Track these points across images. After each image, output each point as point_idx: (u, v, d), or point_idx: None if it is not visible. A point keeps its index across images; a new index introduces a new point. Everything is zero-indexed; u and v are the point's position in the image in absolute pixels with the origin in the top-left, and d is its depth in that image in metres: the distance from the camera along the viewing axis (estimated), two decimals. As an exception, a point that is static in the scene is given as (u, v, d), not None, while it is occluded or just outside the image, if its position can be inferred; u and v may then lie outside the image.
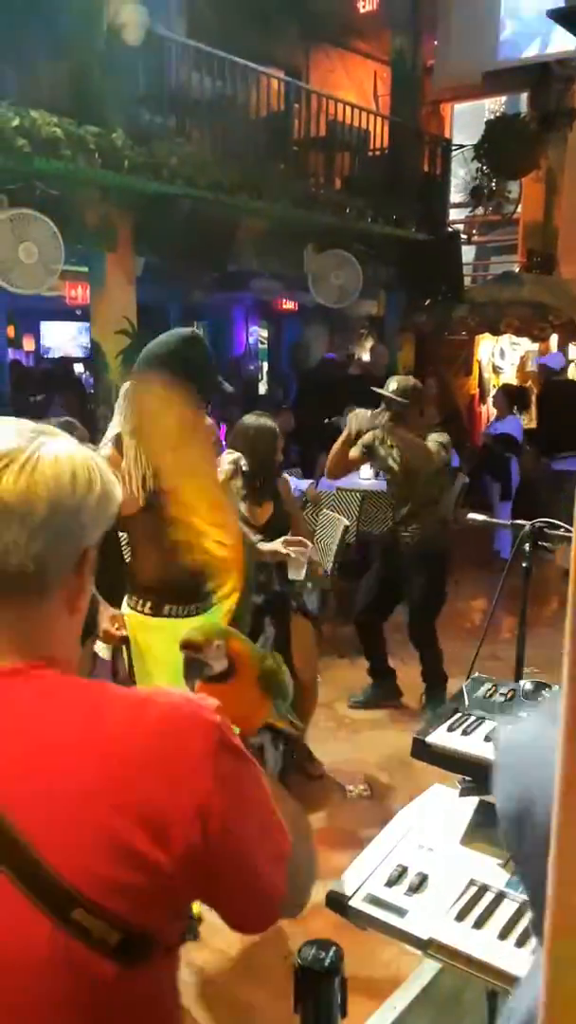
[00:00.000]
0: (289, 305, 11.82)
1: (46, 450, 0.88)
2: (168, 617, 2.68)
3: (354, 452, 4.54)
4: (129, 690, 0.92)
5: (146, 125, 6.39)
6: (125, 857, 0.80)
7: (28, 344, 12.44)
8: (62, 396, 8.34)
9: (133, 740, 0.84)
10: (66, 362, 10.71)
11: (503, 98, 12.73)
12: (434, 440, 4.46)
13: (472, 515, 3.11)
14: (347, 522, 5.46)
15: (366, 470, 7.23)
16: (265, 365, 13.02)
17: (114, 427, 2.73)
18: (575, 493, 0.79)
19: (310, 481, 7.05)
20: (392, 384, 4.43)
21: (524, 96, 11.08)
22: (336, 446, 4.52)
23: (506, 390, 8.78)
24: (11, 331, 10.86)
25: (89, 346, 9.37)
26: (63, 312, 11.28)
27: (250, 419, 3.63)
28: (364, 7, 10.73)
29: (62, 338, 12.82)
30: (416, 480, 4.50)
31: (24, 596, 0.88)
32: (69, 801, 0.80)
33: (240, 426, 3.62)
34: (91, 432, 7.31)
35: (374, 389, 4.52)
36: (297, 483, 5.48)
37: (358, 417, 4.36)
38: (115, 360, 6.62)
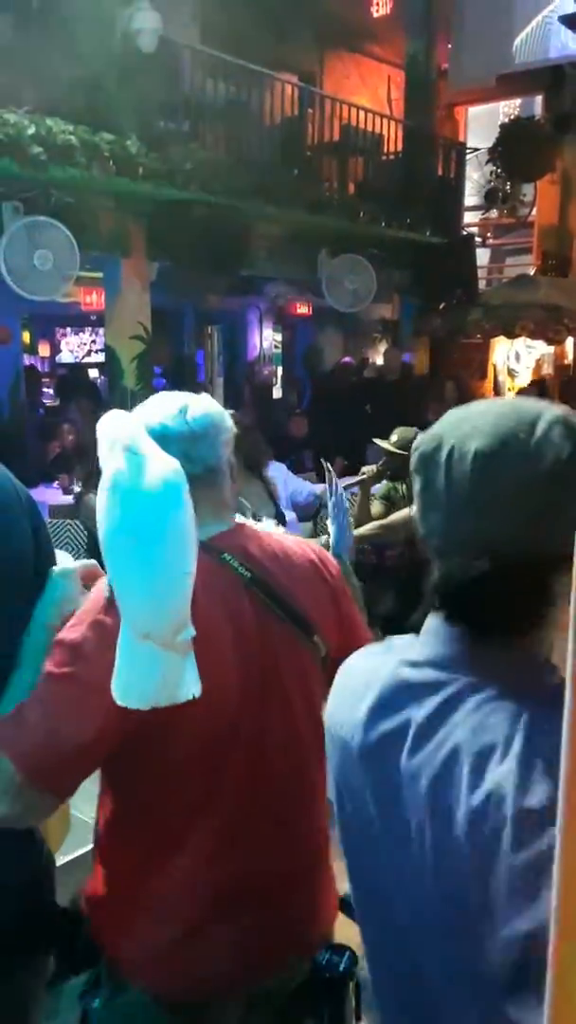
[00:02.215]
0: (303, 309, 11.83)
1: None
2: None
3: (376, 508, 4.47)
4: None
5: (160, 131, 6.42)
6: (325, 611, 1.46)
7: (43, 350, 12.51)
8: (77, 401, 8.38)
9: (314, 555, 1.52)
10: (81, 368, 10.77)
11: (517, 101, 12.70)
12: None
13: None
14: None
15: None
16: (280, 369, 13.03)
17: None
18: None
19: (324, 486, 7.05)
20: (394, 436, 4.42)
21: (538, 99, 11.07)
22: (355, 510, 4.44)
23: (527, 393, 8.75)
24: (26, 337, 10.93)
25: (104, 351, 9.43)
26: (78, 318, 11.34)
27: None
28: (378, 11, 10.75)
29: (77, 343, 12.89)
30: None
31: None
32: (309, 585, 1.45)
33: None
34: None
35: (375, 441, 4.52)
36: (311, 488, 5.48)
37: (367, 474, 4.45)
38: (130, 365, 6.65)
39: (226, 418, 1.41)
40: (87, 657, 1.19)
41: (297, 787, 1.38)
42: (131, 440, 1.22)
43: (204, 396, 1.43)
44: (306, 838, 1.41)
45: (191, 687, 1.16)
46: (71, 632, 1.22)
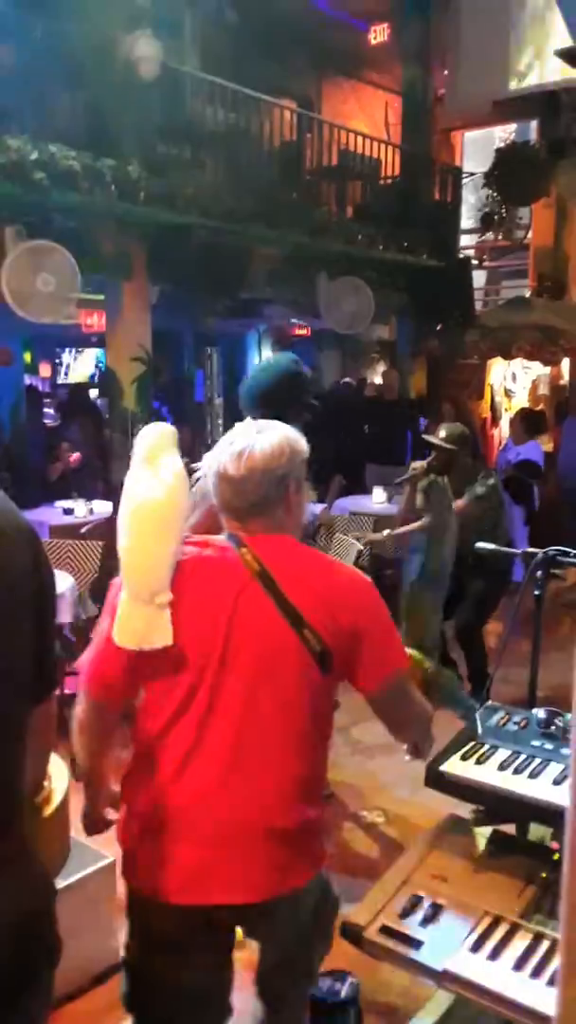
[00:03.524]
0: (302, 331, 11.91)
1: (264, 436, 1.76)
2: None
3: (419, 501, 4.74)
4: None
5: (161, 157, 6.49)
6: (329, 618, 1.67)
7: (44, 371, 12.56)
8: (78, 421, 8.41)
9: (340, 577, 1.76)
10: (82, 388, 10.82)
11: (513, 126, 12.85)
12: (485, 484, 4.78)
13: (481, 544, 3.14)
14: (360, 546, 5.48)
15: (379, 494, 7.28)
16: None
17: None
18: None
19: (323, 505, 7.08)
20: (442, 432, 4.75)
21: (534, 124, 11.19)
22: (405, 503, 4.82)
23: (524, 415, 8.78)
24: (27, 357, 10.98)
25: (104, 373, 9.48)
26: (79, 339, 11.40)
27: None
28: (375, 38, 10.89)
29: (78, 365, 12.95)
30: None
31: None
32: (313, 595, 1.68)
33: None
34: (106, 456, 7.40)
35: (424, 437, 4.91)
36: (311, 508, 5.51)
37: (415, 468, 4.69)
38: (130, 387, 6.69)
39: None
40: (109, 613, 1.72)
41: (252, 746, 1.64)
42: (151, 452, 1.75)
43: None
44: (257, 787, 1.64)
45: (164, 637, 1.64)
46: (108, 597, 1.75)
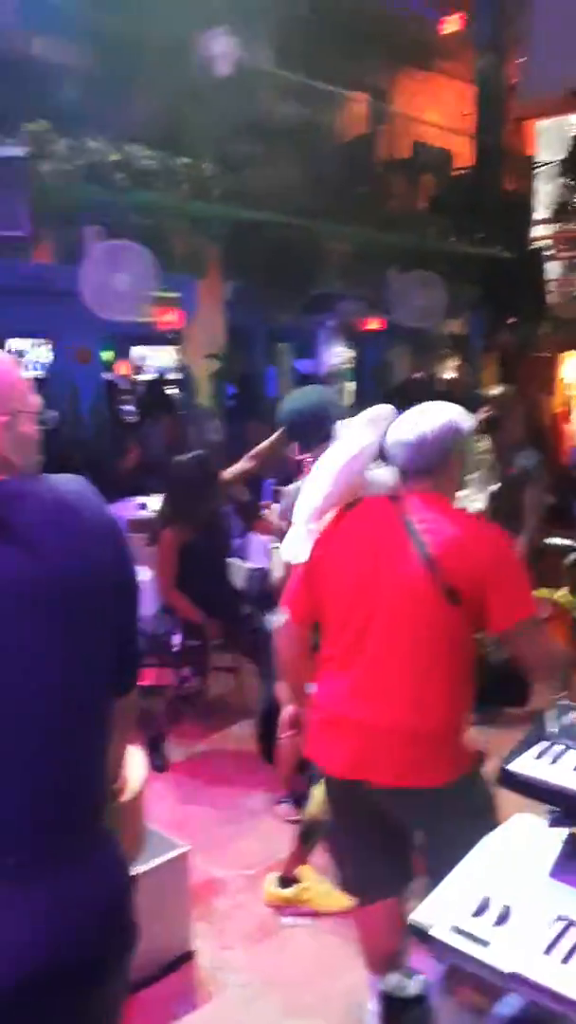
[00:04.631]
0: (373, 326, 11.84)
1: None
2: None
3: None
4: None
5: (234, 153, 6.54)
6: (460, 563, 1.94)
7: (121, 368, 12.76)
8: (157, 417, 8.52)
9: (473, 531, 2.02)
10: (159, 384, 10.94)
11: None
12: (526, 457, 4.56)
13: (552, 539, 3.09)
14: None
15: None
16: (353, 385, 13.05)
17: None
18: None
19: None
20: (494, 390, 4.79)
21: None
22: None
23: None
24: (105, 355, 11.18)
25: (179, 369, 9.58)
26: (155, 337, 11.55)
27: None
28: (448, 28, 10.76)
29: (153, 361, 13.12)
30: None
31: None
32: (448, 543, 1.96)
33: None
34: (183, 451, 7.44)
35: (477, 392, 4.94)
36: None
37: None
38: (204, 382, 6.77)
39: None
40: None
41: (396, 662, 1.97)
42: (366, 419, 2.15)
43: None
44: (401, 696, 1.97)
45: (304, 556, 2.08)
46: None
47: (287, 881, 2.94)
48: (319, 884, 2.91)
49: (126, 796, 1.74)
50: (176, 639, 4.06)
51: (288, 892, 2.93)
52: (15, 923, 1.21)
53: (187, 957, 2.69)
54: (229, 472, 3.87)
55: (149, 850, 2.35)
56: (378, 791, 2.04)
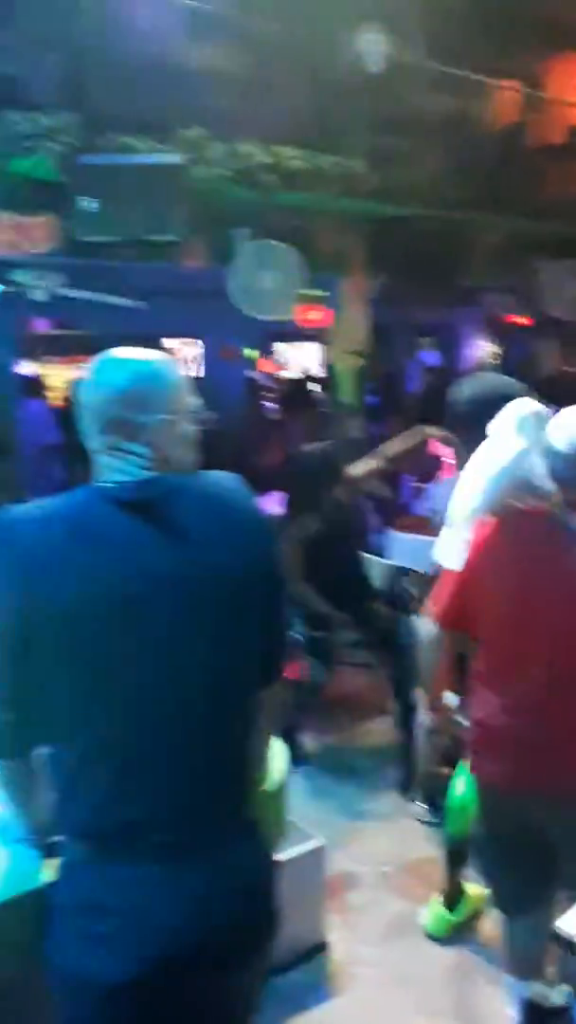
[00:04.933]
0: (520, 319, 11.49)
1: None
2: None
3: None
4: None
5: (382, 149, 6.51)
6: None
7: (264, 365, 12.95)
8: (300, 414, 8.59)
9: None
10: (302, 382, 11.03)
11: None
12: None
13: None
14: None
15: None
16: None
17: None
18: None
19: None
20: None
21: None
22: None
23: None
24: (249, 352, 11.37)
25: (322, 367, 9.62)
26: (298, 334, 11.65)
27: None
28: (606, 7, 10.26)
29: (296, 359, 13.23)
30: None
31: None
32: None
33: None
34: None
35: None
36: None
37: None
38: (348, 380, 6.78)
39: None
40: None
41: (560, 677, 1.92)
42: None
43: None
44: (563, 709, 1.92)
45: (456, 562, 2.03)
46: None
47: (452, 902, 2.81)
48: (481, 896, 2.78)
49: (270, 786, 1.78)
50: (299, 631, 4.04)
51: (456, 917, 2.80)
52: (166, 904, 1.26)
53: (321, 948, 2.72)
54: (358, 467, 3.81)
55: (287, 841, 2.39)
56: (542, 801, 2.01)
